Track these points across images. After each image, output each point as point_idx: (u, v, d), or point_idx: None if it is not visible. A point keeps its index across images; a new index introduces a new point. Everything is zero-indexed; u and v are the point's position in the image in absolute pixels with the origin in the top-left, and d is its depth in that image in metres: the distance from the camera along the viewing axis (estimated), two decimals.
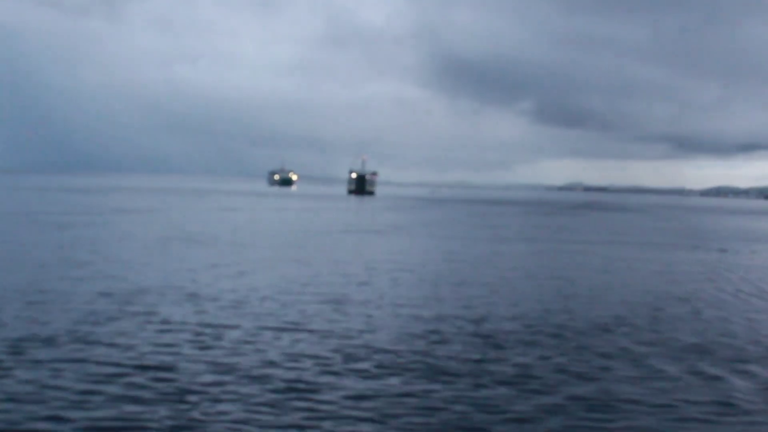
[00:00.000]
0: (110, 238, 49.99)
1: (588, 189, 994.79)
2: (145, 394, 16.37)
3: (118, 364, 18.42)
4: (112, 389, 16.62)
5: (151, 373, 17.80)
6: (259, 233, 60.15)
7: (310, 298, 28.68)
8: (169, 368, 18.27)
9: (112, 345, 20.22)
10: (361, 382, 17.69)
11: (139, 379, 17.38)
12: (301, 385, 17.32)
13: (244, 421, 14.97)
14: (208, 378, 17.64)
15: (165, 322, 23.30)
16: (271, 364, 19.00)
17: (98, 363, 18.49)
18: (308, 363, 19.17)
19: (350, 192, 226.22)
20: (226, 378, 17.70)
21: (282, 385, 17.33)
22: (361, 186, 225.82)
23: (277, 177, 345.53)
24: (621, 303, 30.12)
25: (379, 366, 19.10)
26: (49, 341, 20.33)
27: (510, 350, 21.21)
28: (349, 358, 19.81)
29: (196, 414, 15.20)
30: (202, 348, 20.28)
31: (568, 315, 26.93)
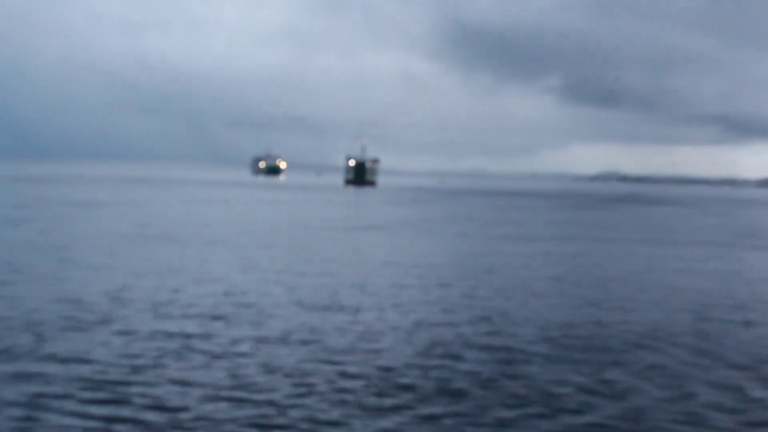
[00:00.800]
0: (63, 236, 49.81)
1: (625, 179, 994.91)
2: (94, 425, 16.11)
3: (69, 380, 18.16)
4: (53, 418, 16.36)
5: (104, 393, 17.54)
6: (238, 230, 59.96)
7: (295, 305, 28.43)
8: (126, 383, 18.01)
9: (64, 360, 19.97)
10: (348, 409, 17.43)
11: (87, 395, 17.13)
12: (272, 410, 17.06)
13: None
14: (173, 399, 17.37)
15: (123, 333, 23.05)
16: (248, 383, 18.73)
17: (48, 382, 18.23)
18: (286, 383, 18.91)
19: (348, 182, 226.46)
20: (191, 399, 17.43)
21: (254, 411, 17.05)
22: (360, 175, 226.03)
23: (262, 165, 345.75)
24: (661, 311, 29.85)
25: (375, 386, 18.83)
26: None
27: (532, 366, 20.94)
28: (341, 376, 19.54)
29: None
30: (164, 364, 20.01)
31: (599, 325, 26.67)
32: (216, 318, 25.67)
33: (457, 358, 21.70)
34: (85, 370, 19.30)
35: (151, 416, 16.34)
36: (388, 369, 20.32)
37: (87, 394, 17.53)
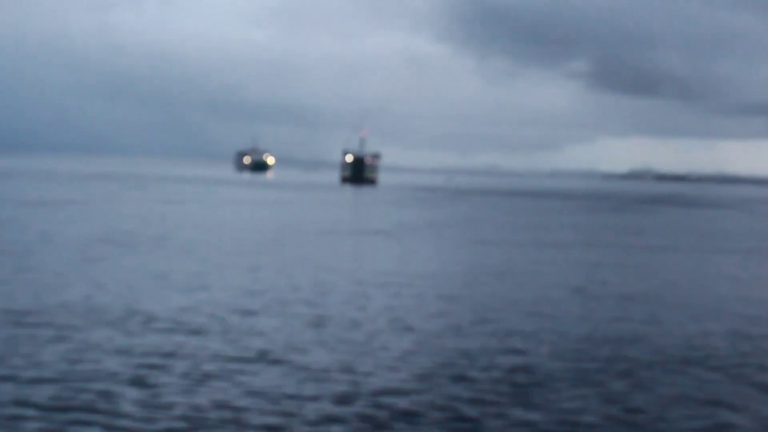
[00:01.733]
0: (16, 240, 49.72)
1: (661, 177, 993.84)
2: None
3: (21, 404, 18.08)
4: None
5: (66, 416, 17.45)
6: (216, 234, 59.91)
7: (280, 319, 28.34)
8: (89, 410, 17.94)
9: (10, 379, 19.89)
10: None
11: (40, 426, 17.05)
12: None
13: None
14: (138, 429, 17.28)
15: (81, 350, 22.97)
16: (227, 407, 18.65)
17: None
18: (268, 406, 18.82)
19: (344, 180, 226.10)
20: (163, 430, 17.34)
21: None
22: (358, 172, 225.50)
23: (247, 160, 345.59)
24: (696, 329, 29.74)
25: (370, 416, 18.74)
26: None
27: (551, 391, 20.85)
28: (334, 399, 19.44)
29: None
30: (136, 385, 19.93)
31: (629, 345, 26.57)
32: (188, 333, 25.57)
33: (465, 380, 21.59)
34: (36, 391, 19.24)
35: None
36: (381, 393, 20.22)
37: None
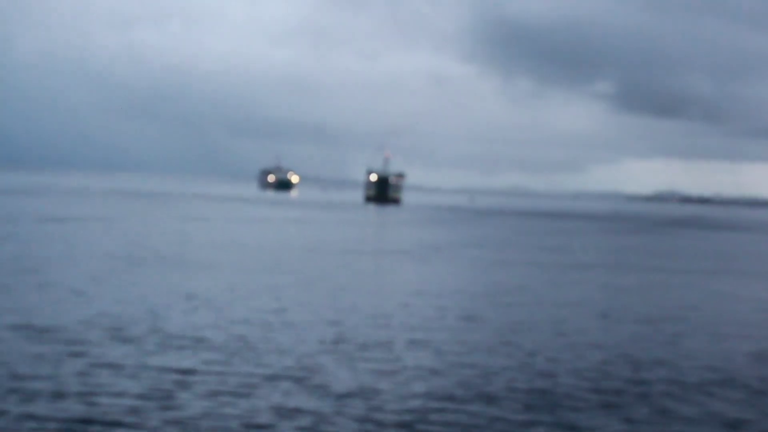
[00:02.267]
0: (37, 256, 49.95)
1: (686, 200, 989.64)
2: None
3: (40, 419, 18.17)
4: None
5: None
6: (239, 252, 60.02)
7: (295, 339, 28.39)
8: (116, 424, 18.03)
9: (30, 399, 20.00)
10: None
11: None
12: None
13: None
14: None
15: (99, 365, 23.08)
16: (250, 425, 18.69)
17: (17, 419, 18.27)
18: (287, 424, 18.86)
19: (368, 199, 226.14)
20: None
21: None
22: (382, 192, 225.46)
23: (271, 178, 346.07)
24: (723, 354, 29.63)
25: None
26: None
27: (574, 413, 20.83)
28: (362, 419, 19.46)
29: None
30: (160, 407, 20.01)
31: (650, 367, 26.50)
32: (204, 349, 25.65)
33: (485, 400, 21.59)
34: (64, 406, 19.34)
35: None
36: (401, 412, 20.23)
37: None
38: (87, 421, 18.71)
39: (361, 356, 26.30)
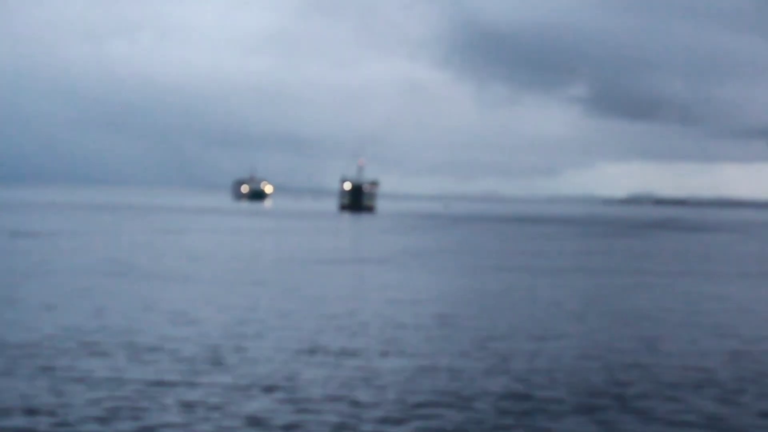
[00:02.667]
0: (7, 270, 49.66)
1: (660, 202, 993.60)
2: None
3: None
4: None
5: None
6: (213, 264, 59.82)
7: (273, 349, 28.24)
8: None
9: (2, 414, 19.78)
10: None
11: None
12: None
13: None
14: None
15: (71, 380, 22.87)
16: None
17: None
18: None
19: (343, 208, 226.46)
20: None
21: None
22: (357, 200, 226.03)
23: (245, 189, 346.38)
24: (694, 355, 29.62)
25: None
26: None
27: (549, 417, 20.76)
28: (332, 428, 19.34)
29: None
30: (131, 417, 19.82)
31: (626, 370, 26.49)
32: (180, 361, 25.48)
33: (462, 405, 21.49)
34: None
35: None
36: (378, 421, 20.12)
37: None
38: None
39: (336, 363, 26.17)
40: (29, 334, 29.58)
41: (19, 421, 19.47)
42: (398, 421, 20.23)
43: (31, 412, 20.16)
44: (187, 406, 20.96)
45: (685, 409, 22.15)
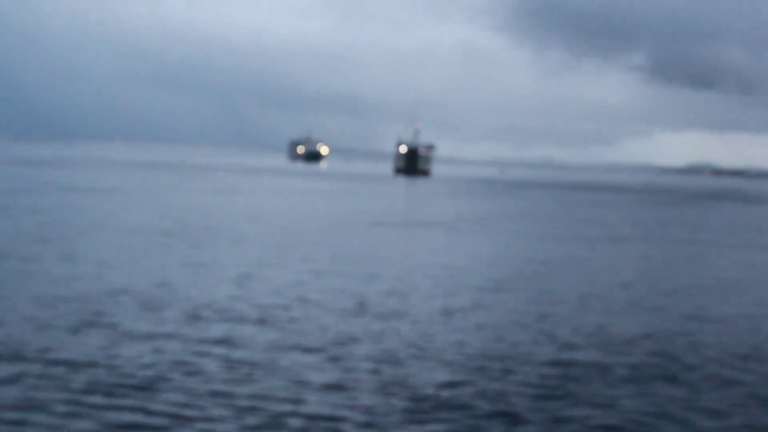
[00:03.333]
0: (64, 227, 50.20)
1: (719, 172, 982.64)
2: None
3: (60, 388, 18.30)
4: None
5: (105, 401, 17.67)
6: (268, 225, 60.05)
7: (321, 310, 28.42)
8: (143, 388, 18.15)
9: (49, 362, 20.14)
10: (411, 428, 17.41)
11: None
12: None
13: None
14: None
15: (122, 337, 23.20)
16: (271, 397, 18.76)
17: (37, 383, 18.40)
18: (313, 396, 18.89)
19: (398, 171, 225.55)
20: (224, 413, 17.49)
21: None
22: (412, 164, 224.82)
23: (301, 150, 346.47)
24: (749, 330, 29.37)
25: (414, 408, 18.78)
26: None
27: (595, 385, 20.78)
28: (375, 389, 19.50)
29: None
30: (186, 373, 20.10)
31: (678, 344, 26.38)
32: (233, 321, 25.74)
33: (511, 373, 21.56)
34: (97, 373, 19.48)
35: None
36: (424, 385, 20.24)
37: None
38: (115, 385, 18.88)
39: (385, 327, 26.31)
40: (82, 289, 30.02)
41: (67, 372, 19.82)
42: (444, 385, 20.35)
43: (85, 364, 20.53)
44: (231, 363, 21.21)
45: (737, 378, 22.05)
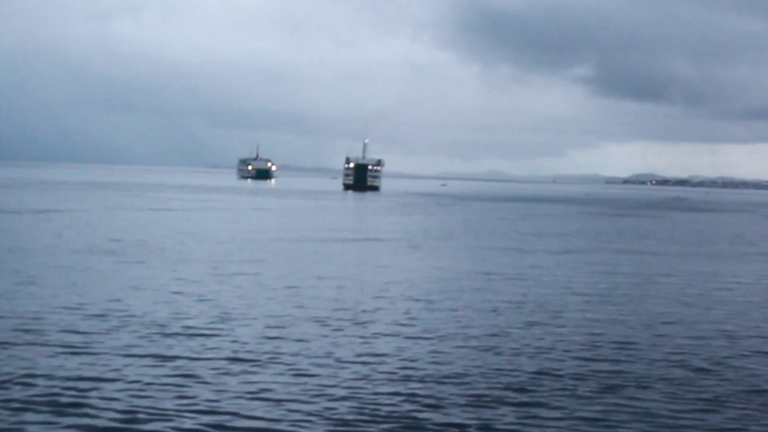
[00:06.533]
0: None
1: (663, 182, 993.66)
2: None
3: None
4: None
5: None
6: (214, 243, 58.91)
7: (257, 327, 27.59)
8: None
9: None
10: None
11: None
12: None
13: None
14: None
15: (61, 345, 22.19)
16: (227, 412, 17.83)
17: None
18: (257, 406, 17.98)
19: (347, 187, 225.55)
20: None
21: None
22: (361, 179, 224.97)
23: (250, 167, 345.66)
24: (690, 337, 28.99)
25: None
26: None
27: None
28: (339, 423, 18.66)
29: None
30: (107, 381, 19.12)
31: (625, 353, 25.86)
32: (165, 335, 24.83)
33: (464, 384, 20.82)
34: None
35: None
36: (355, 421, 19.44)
37: None
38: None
39: (343, 341, 25.53)
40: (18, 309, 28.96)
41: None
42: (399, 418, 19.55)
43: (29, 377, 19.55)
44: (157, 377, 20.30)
45: (683, 385, 21.43)
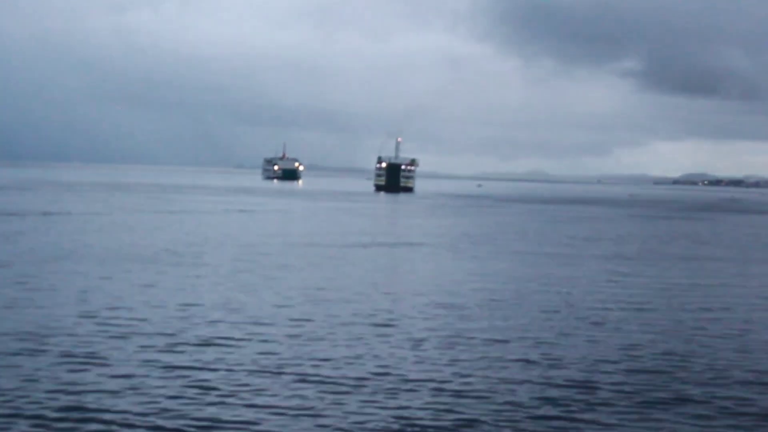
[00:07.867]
0: (11, 252, 49.34)
1: (716, 182, 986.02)
2: None
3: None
4: None
5: None
6: (237, 247, 59.09)
7: (293, 338, 27.73)
8: None
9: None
10: None
11: None
12: None
13: None
14: None
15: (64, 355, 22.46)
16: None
17: None
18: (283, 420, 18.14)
19: (379, 188, 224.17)
20: None
21: None
22: (393, 180, 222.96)
23: (276, 168, 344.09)
24: (737, 349, 28.99)
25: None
26: None
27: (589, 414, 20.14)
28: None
29: None
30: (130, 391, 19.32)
31: (686, 366, 25.87)
32: (186, 347, 25.03)
33: (502, 394, 20.90)
34: None
35: None
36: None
37: None
38: None
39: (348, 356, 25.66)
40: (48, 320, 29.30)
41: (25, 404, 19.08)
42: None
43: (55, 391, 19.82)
44: (171, 372, 20.52)
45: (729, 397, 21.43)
